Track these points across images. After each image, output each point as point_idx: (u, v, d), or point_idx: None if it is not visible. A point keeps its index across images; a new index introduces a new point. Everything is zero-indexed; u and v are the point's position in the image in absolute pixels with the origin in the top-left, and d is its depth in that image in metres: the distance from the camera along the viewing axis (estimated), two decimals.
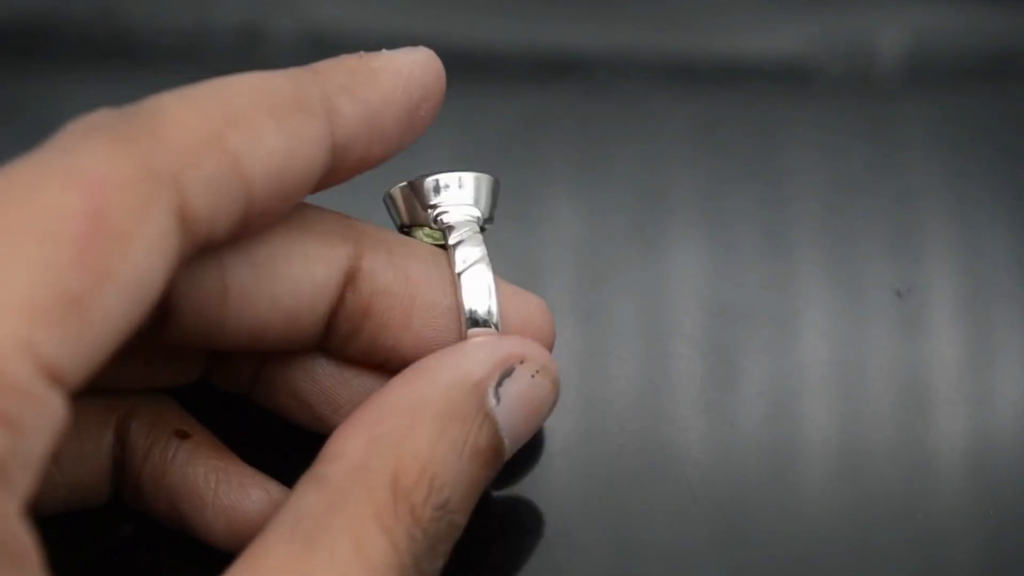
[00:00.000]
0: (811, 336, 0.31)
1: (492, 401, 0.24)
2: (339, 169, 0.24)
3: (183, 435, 0.26)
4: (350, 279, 0.25)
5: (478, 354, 0.24)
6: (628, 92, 0.35)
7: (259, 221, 0.23)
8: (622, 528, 0.28)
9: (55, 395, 0.19)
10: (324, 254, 0.24)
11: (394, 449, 0.23)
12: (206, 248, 0.22)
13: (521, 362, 0.24)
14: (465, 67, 0.35)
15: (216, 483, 0.25)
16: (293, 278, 0.24)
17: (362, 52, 0.25)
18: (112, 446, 0.26)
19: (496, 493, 0.28)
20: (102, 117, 0.21)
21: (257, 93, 0.23)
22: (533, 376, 0.24)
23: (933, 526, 0.28)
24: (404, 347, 0.25)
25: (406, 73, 0.25)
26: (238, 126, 0.22)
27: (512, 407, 0.24)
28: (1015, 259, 0.32)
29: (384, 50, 0.25)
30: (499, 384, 0.24)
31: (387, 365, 0.25)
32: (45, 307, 0.19)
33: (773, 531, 0.28)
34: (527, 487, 0.28)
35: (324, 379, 0.26)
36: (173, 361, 0.26)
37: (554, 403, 0.25)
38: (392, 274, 0.25)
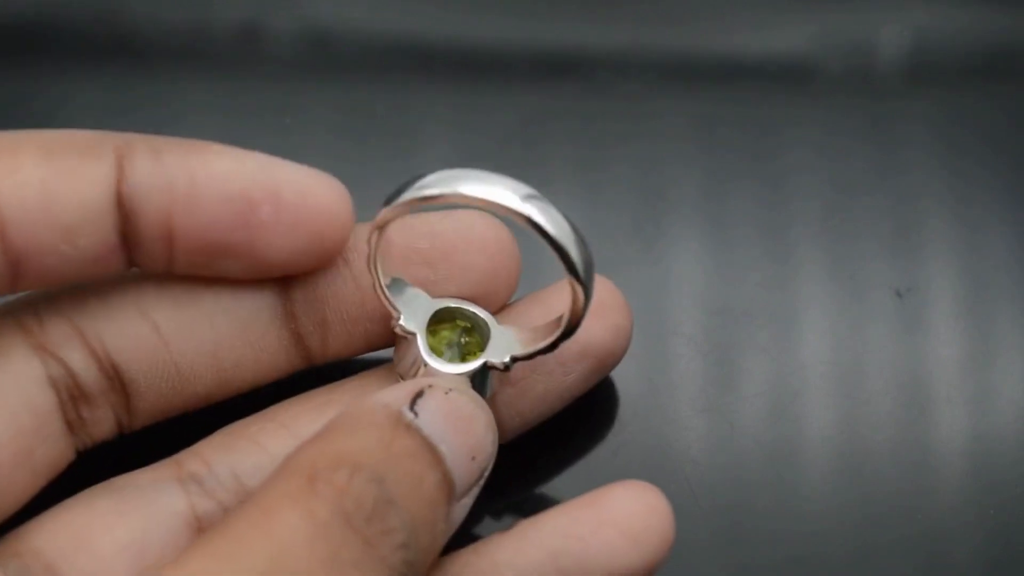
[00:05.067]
0: (811, 336, 0.31)
1: (409, 414, 0.23)
2: (142, 236, 0.23)
3: None
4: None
5: (386, 391, 0.23)
6: (628, 91, 0.35)
7: (38, 259, 0.22)
8: None
9: None
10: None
11: (310, 452, 0.22)
12: None
13: (429, 386, 0.23)
14: (465, 66, 0.35)
15: None
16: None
17: None
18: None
19: (495, 494, 0.28)
20: None
21: (37, 138, 0.23)
22: (447, 393, 0.23)
23: (933, 526, 0.28)
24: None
25: (249, 166, 0.23)
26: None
27: (434, 418, 0.23)
28: (1016, 259, 0.32)
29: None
30: (413, 405, 0.23)
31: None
32: None
33: (773, 531, 0.28)
34: (527, 487, 0.28)
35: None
36: None
37: (487, 421, 0.24)
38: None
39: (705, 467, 0.29)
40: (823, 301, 0.31)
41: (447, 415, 0.23)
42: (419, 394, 0.23)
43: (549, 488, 0.29)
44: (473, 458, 0.23)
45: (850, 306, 0.31)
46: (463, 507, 0.23)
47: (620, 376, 0.30)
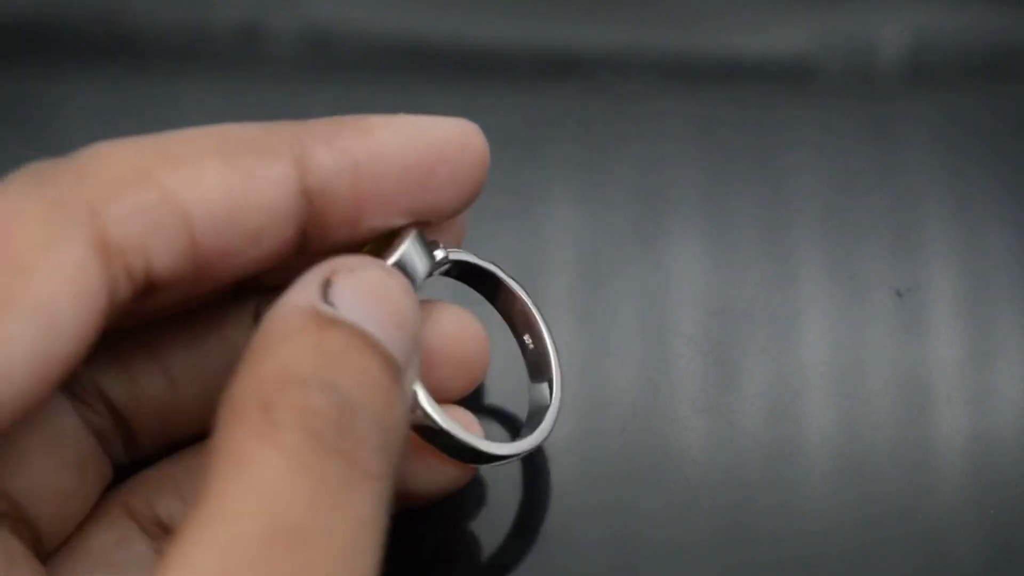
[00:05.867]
0: (811, 336, 0.31)
1: (325, 307, 0.21)
2: (328, 223, 0.23)
3: None
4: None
5: (291, 291, 0.22)
6: (628, 92, 0.35)
7: (222, 262, 0.22)
8: (622, 528, 0.28)
9: None
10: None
11: (250, 381, 0.21)
12: (157, 288, 0.22)
13: (333, 271, 0.22)
14: (465, 67, 0.35)
15: None
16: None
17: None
18: None
19: (496, 494, 0.28)
20: (40, 163, 0.21)
21: (212, 138, 0.22)
22: (351, 271, 0.22)
23: (933, 526, 0.28)
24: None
25: (411, 131, 0.24)
26: (173, 163, 0.21)
27: (350, 300, 0.21)
28: (1016, 259, 0.32)
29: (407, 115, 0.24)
30: (325, 297, 0.21)
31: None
32: None
33: (773, 531, 0.28)
34: (527, 487, 0.28)
35: None
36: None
37: (401, 287, 0.23)
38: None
39: (705, 467, 0.29)
40: (823, 301, 0.31)
41: (361, 293, 0.22)
42: (327, 283, 0.22)
43: (550, 487, 0.29)
44: (400, 327, 0.22)
45: (850, 306, 0.31)
46: (410, 382, 0.22)
47: (620, 376, 0.30)
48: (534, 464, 0.29)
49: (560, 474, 0.29)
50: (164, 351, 0.25)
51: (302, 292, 0.22)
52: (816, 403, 0.30)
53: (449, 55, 0.35)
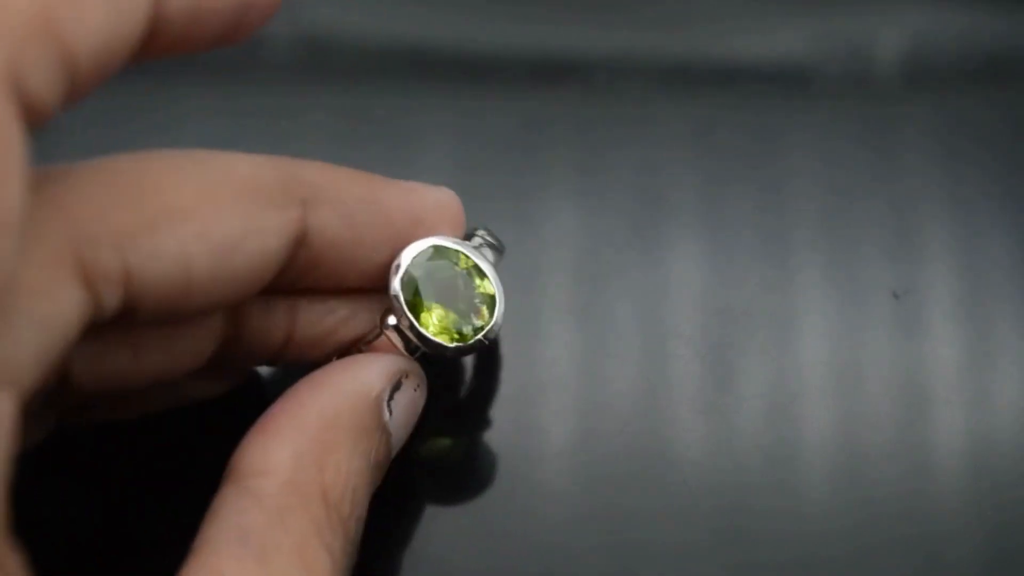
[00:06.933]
0: (810, 338, 0.31)
1: (387, 414, 0.25)
2: (150, 49, 0.24)
3: None
4: (299, 241, 0.25)
5: (373, 368, 0.25)
6: (627, 95, 0.35)
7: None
8: (622, 529, 0.28)
9: None
10: (272, 222, 0.24)
11: (319, 464, 0.24)
12: (139, 313, 0.23)
13: (406, 376, 0.26)
14: (464, 70, 0.35)
15: None
16: (251, 252, 0.24)
17: None
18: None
19: (495, 493, 0.28)
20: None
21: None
22: (415, 390, 0.26)
23: (932, 527, 0.28)
24: (349, 280, 0.26)
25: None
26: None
27: (399, 418, 0.26)
28: (1013, 261, 0.32)
29: None
30: (391, 398, 0.25)
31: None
32: None
33: (773, 532, 0.28)
34: (526, 488, 0.28)
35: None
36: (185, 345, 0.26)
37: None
38: (342, 225, 0.25)
39: (704, 468, 0.29)
40: (821, 303, 0.31)
41: (408, 415, 0.26)
42: (397, 386, 0.26)
43: (549, 489, 0.29)
44: (408, 429, 0.26)
45: (848, 308, 0.31)
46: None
47: (620, 376, 0.30)
48: (533, 464, 0.29)
49: (559, 475, 0.29)
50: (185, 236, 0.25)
51: (378, 380, 0.25)
52: (815, 404, 0.30)
53: (447, 60, 0.35)
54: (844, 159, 0.33)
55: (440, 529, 0.28)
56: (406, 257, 0.26)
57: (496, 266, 0.27)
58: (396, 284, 0.26)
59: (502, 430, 0.29)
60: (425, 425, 0.27)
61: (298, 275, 0.25)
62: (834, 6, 0.36)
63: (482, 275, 0.26)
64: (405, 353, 0.26)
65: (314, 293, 0.26)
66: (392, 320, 0.26)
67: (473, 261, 0.26)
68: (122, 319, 0.23)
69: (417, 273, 0.26)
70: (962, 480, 0.29)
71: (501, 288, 0.26)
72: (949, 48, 0.36)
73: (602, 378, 0.30)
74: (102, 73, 0.22)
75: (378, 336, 0.26)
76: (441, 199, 0.26)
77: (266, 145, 0.33)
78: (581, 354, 0.30)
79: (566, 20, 0.36)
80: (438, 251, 0.26)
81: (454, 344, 0.26)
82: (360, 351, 0.26)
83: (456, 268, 0.26)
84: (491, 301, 0.26)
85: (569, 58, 0.35)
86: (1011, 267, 0.32)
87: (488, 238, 0.27)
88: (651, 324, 0.31)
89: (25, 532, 0.20)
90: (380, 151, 0.33)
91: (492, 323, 0.26)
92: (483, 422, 0.29)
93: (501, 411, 0.29)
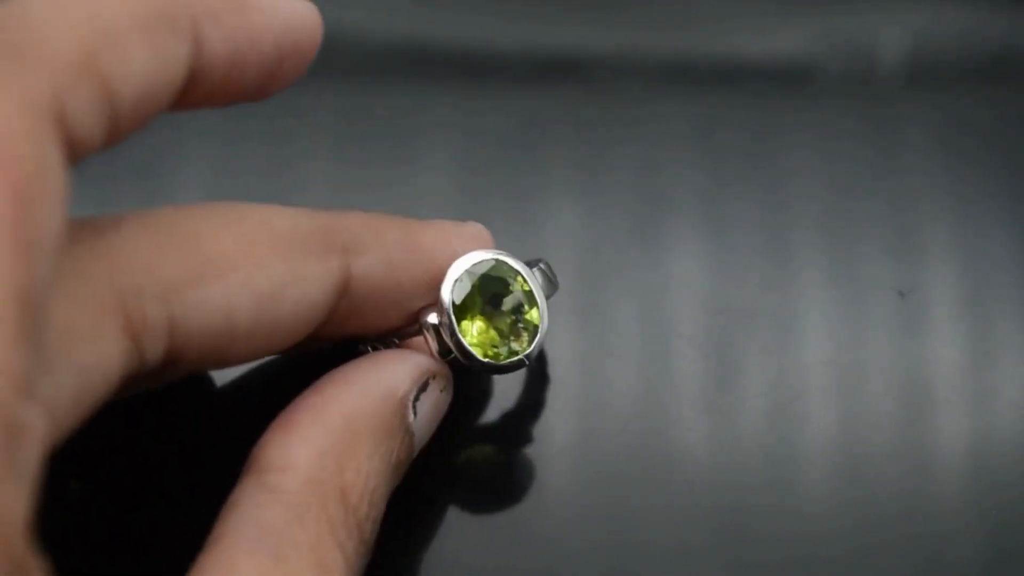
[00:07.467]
0: (812, 337, 0.31)
1: (412, 416, 0.25)
2: (189, 97, 0.23)
3: None
4: (342, 289, 0.25)
5: (401, 368, 0.25)
6: (628, 93, 0.35)
7: (120, 133, 0.22)
8: (623, 529, 0.28)
9: None
10: (314, 271, 0.24)
11: (340, 463, 0.23)
12: (182, 362, 0.23)
13: (433, 377, 0.26)
14: (464, 69, 0.35)
15: None
16: (293, 302, 0.24)
17: None
18: None
19: (495, 493, 0.28)
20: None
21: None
22: (441, 391, 0.26)
23: (934, 526, 0.28)
24: (389, 322, 0.26)
25: (279, 20, 0.24)
26: (111, 44, 0.21)
27: (423, 420, 0.26)
28: (1016, 260, 0.32)
29: None
30: (416, 399, 0.25)
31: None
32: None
33: (774, 531, 0.28)
34: (527, 488, 0.28)
35: None
36: None
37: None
38: (383, 271, 0.25)
39: (706, 468, 0.29)
40: (824, 302, 0.31)
41: (431, 417, 0.26)
42: (424, 387, 0.25)
43: (550, 488, 0.29)
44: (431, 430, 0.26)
45: (851, 307, 0.31)
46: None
47: (621, 376, 0.30)
48: (535, 464, 0.29)
49: (560, 474, 0.29)
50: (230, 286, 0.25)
51: (405, 381, 0.25)
52: (817, 404, 0.30)
53: (449, 58, 0.35)
54: (846, 158, 0.33)
55: (440, 528, 0.28)
56: (467, 261, 0.26)
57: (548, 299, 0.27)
58: (449, 284, 0.25)
59: (502, 430, 0.29)
60: (455, 432, 0.27)
61: (341, 322, 0.25)
62: (836, 5, 0.36)
63: (532, 303, 0.26)
64: (435, 354, 0.26)
65: (356, 338, 0.27)
66: (432, 319, 0.26)
67: (529, 287, 0.26)
68: (164, 368, 0.23)
69: (472, 281, 0.26)
70: (964, 480, 0.29)
71: (547, 322, 0.26)
72: (951, 47, 0.36)
73: (603, 377, 0.30)
74: (142, 116, 0.22)
75: (417, 332, 0.26)
76: (474, 234, 0.27)
77: (267, 144, 0.33)
78: (582, 353, 0.30)
79: (567, 19, 0.36)
80: (499, 266, 0.26)
81: (487, 359, 0.26)
82: (393, 343, 0.26)
83: (511, 288, 0.26)
84: (534, 330, 0.26)
85: (570, 57, 0.35)
86: (1013, 266, 0.32)
87: (547, 271, 0.27)
88: (652, 323, 0.31)
89: (39, 526, 0.20)
90: (381, 149, 0.33)
91: (529, 350, 0.26)
92: (483, 422, 0.29)
93: (501, 411, 0.29)
